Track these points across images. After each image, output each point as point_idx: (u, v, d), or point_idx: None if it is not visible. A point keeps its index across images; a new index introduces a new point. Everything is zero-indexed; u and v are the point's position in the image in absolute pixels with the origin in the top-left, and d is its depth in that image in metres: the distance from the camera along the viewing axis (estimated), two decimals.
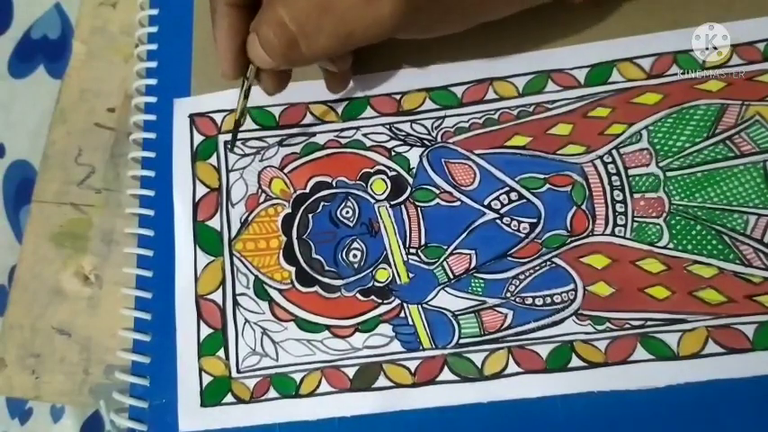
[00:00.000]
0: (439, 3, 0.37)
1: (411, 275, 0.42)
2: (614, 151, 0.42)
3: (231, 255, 0.43)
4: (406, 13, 0.35)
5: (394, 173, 0.44)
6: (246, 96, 0.41)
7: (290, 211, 0.44)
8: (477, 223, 0.42)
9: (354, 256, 0.42)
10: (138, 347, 0.43)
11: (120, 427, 0.42)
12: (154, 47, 0.50)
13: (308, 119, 0.46)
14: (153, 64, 0.49)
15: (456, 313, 0.41)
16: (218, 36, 0.39)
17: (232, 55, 0.39)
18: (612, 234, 0.41)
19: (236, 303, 0.42)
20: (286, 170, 0.45)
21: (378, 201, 0.43)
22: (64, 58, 0.54)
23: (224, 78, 0.40)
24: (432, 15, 0.37)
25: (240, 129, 0.43)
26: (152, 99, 0.48)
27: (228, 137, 0.46)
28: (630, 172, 0.41)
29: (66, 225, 0.49)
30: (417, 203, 0.43)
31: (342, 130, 0.45)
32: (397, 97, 0.45)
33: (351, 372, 0.40)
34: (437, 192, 0.43)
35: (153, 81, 0.49)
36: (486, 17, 0.40)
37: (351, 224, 0.43)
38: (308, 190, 0.44)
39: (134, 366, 0.43)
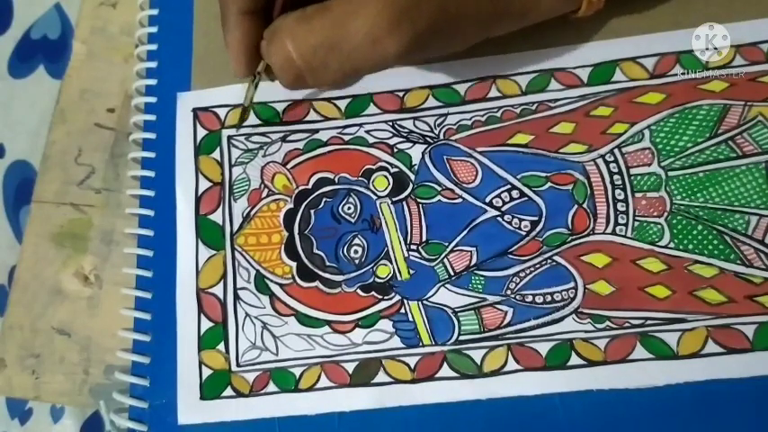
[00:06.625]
0: (441, 35, 0.39)
1: (412, 272, 0.44)
2: (616, 150, 0.44)
3: (233, 249, 0.46)
4: (411, 50, 0.38)
5: (396, 169, 0.46)
6: (256, 87, 0.44)
7: (292, 206, 0.46)
8: (478, 220, 0.44)
9: (355, 251, 0.45)
10: (138, 347, 0.46)
11: (120, 427, 0.45)
12: (154, 47, 0.52)
13: (312, 116, 0.48)
14: (153, 64, 0.52)
15: (456, 310, 0.43)
16: (230, 41, 0.42)
17: (246, 58, 0.42)
18: (613, 233, 0.43)
19: (236, 297, 0.45)
20: (289, 166, 0.47)
21: (379, 197, 0.46)
22: (64, 59, 0.57)
23: (235, 76, 0.44)
24: (434, 46, 0.40)
25: (245, 122, 0.47)
26: (152, 99, 0.51)
27: (232, 131, 0.48)
28: (632, 171, 0.44)
29: (66, 225, 0.51)
30: (419, 200, 0.45)
31: (345, 126, 0.47)
32: (400, 94, 0.47)
33: (350, 367, 0.43)
34: (439, 189, 0.45)
35: (153, 81, 0.51)
36: (487, 37, 0.43)
37: (352, 220, 0.45)
38: (310, 186, 0.46)
39: (134, 366, 0.45)
